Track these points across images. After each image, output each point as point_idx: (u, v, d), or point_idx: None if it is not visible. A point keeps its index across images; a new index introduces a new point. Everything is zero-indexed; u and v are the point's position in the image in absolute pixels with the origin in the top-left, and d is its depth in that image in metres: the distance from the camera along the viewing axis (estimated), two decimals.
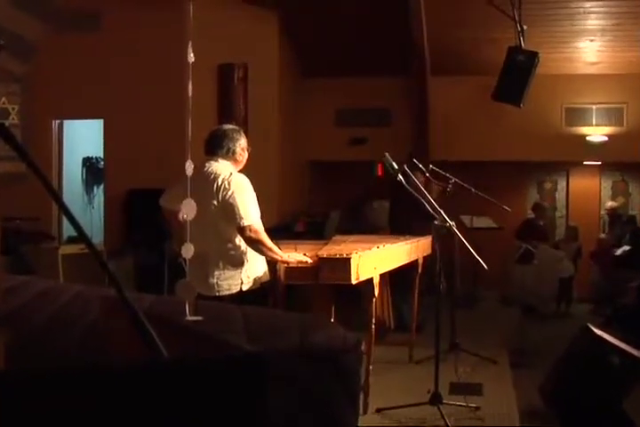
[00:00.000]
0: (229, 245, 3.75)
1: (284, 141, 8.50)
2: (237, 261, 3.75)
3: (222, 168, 3.80)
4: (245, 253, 3.77)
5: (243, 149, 3.92)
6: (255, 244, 3.72)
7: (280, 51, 8.32)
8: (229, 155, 3.86)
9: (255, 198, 3.80)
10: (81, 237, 1.31)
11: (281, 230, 6.94)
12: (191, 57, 1.91)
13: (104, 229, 8.01)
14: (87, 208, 8.82)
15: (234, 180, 3.73)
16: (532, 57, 5.79)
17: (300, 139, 9.56)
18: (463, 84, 9.24)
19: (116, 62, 7.71)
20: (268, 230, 3.83)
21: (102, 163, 8.52)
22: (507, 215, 7.17)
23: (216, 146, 3.86)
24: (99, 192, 8.90)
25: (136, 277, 6.95)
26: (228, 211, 3.68)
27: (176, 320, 1.60)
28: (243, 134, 3.95)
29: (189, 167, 1.77)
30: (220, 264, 3.73)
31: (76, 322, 1.59)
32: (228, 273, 3.74)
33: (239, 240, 3.75)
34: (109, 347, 1.33)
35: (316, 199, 9.87)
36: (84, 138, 8.92)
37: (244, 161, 3.97)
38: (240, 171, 3.95)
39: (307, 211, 9.16)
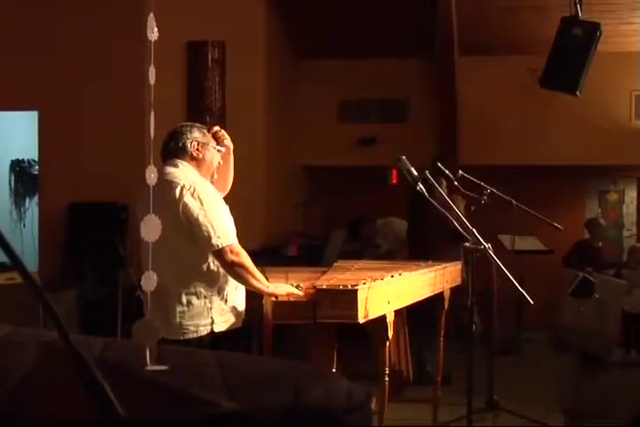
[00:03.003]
0: (195, 274, 3.76)
1: (272, 141, 8.53)
2: (206, 295, 3.76)
3: (181, 174, 3.82)
4: (218, 284, 3.78)
5: (200, 145, 3.93)
6: (237, 269, 3.72)
7: (267, 25, 8.38)
8: (182, 153, 3.89)
9: (227, 212, 3.84)
10: (12, 262, 1.32)
11: (268, 254, 6.96)
12: (153, 34, 1.93)
13: (38, 254, 8.01)
14: (17, 226, 8.84)
15: (197, 189, 3.74)
16: (593, 30, 5.81)
17: (293, 138, 9.60)
18: (501, 66, 9.29)
19: (58, 38, 7.73)
20: (250, 254, 3.83)
21: (37, 167, 8.53)
22: (559, 235, 7.18)
23: (167, 147, 3.92)
24: (32, 205, 8.92)
25: (81, 315, 6.95)
26: (195, 230, 3.69)
27: (134, 370, 1.61)
28: (200, 130, 3.98)
29: (151, 175, 1.78)
30: (184, 299, 3.73)
31: (5, 375, 1.61)
32: (195, 310, 3.74)
33: (208, 267, 3.76)
34: (50, 405, 1.35)
35: (314, 215, 9.89)
36: (12, 135, 8.95)
37: (208, 160, 3.97)
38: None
39: (301, 230, 9.18)
